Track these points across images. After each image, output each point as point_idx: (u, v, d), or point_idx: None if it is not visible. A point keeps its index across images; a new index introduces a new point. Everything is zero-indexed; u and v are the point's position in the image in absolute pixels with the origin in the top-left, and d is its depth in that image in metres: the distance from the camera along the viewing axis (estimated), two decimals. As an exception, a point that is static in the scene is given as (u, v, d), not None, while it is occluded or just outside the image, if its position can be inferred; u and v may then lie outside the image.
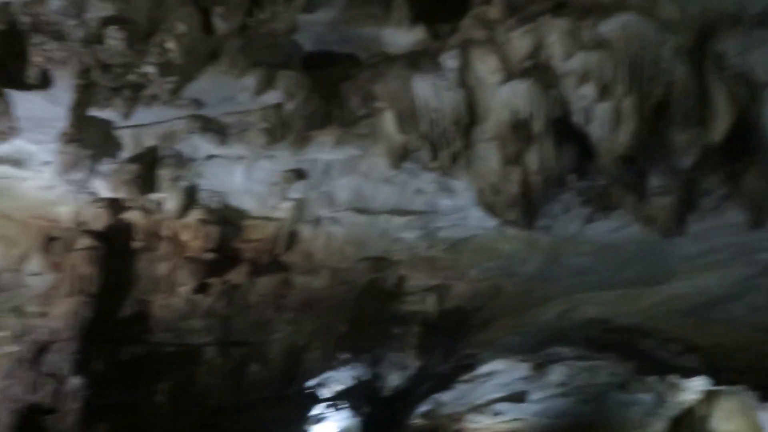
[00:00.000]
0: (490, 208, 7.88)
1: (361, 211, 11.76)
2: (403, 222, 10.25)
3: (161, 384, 10.31)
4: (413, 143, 7.46)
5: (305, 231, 12.15)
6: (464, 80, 6.52)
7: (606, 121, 6.10)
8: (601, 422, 19.43)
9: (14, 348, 9.94)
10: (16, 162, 10.09)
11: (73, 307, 9.93)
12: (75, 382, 9.43)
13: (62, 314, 9.98)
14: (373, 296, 12.34)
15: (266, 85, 7.40)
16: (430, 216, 9.88)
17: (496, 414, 17.28)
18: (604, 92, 5.92)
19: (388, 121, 7.53)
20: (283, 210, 11.85)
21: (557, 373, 16.86)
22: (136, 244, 11.03)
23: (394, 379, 13.54)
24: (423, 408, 15.22)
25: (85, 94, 8.09)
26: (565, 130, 6.48)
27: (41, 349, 9.76)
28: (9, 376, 9.59)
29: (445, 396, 15.57)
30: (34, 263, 10.60)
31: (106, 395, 9.63)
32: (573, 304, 12.74)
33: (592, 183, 7.87)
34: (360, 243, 12.08)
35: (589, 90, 5.97)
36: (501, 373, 15.75)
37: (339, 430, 12.56)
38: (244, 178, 11.33)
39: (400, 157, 7.88)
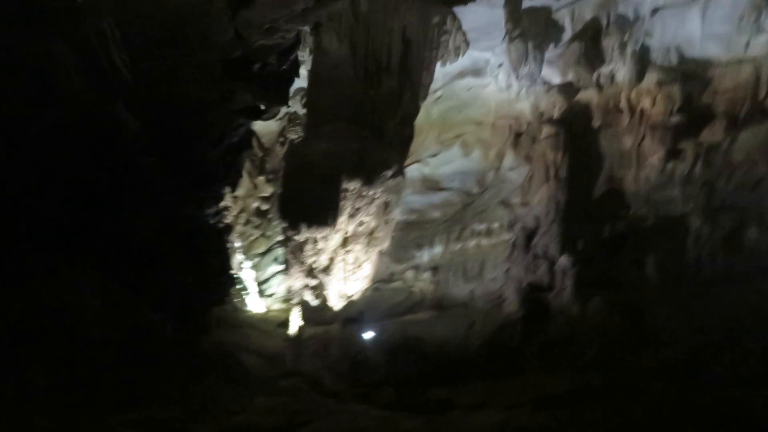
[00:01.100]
0: None
1: None
2: None
3: (647, 258, 10.14)
4: None
5: (797, 64, 10.01)
6: None
7: None
8: None
9: (509, 235, 11.29)
10: (476, 72, 11.07)
11: (549, 192, 10.56)
12: (563, 261, 10.11)
13: (541, 201, 10.76)
14: None
15: None
16: None
17: None
18: None
19: None
20: (759, 46, 9.94)
21: None
22: (596, 123, 10.96)
23: None
24: None
25: (516, -16, 8.22)
26: None
27: (530, 234, 10.79)
28: (509, 260, 10.98)
29: None
30: (509, 159, 11.67)
31: (594, 272, 10.02)
32: None
33: None
34: None
35: None
36: None
37: None
38: (701, 22, 9.87)
39: None
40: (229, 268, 9.09)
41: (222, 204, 8.27)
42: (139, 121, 5.82)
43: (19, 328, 5.12)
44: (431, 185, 12.22)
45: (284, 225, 9.23)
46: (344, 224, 9.29)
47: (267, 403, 6.43)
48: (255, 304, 10.92)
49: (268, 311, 10.96)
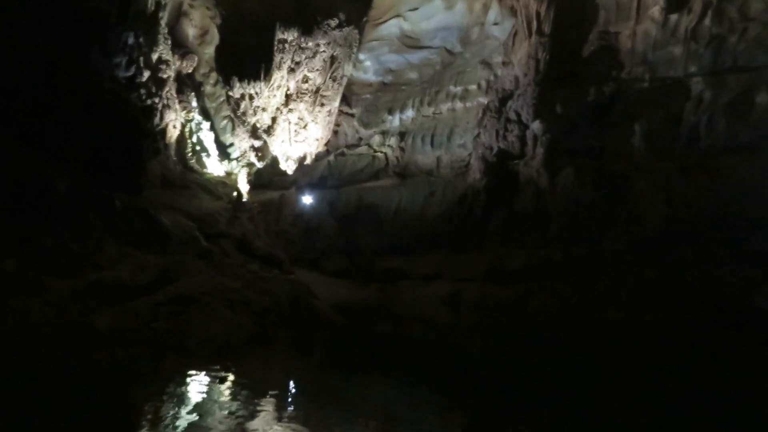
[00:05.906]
0: None
1: None
2: None
3: (635, 125, 8.96)
4: None
5: None
6: None
7: None
8: None
9: (484, 99, 10.22)
10: None
11: (530, 50, 9.35)
12: (536, 126, 9.04)
13: (521, 60, 9.57)
14: None
15: None
16: None
17: None
18: None
19: None
20: None
21: None
22: (591, -34, 9.42)
23: None
24: None
25: None
26: None
27: (506, 97, 9.68)
28: (480, 125, 9.98)
29: None
30: (494, 12, 10.31)
31: (571, 140, 8.98)
32: None
33: None
34: None
35: None
36: None
37: None
38: None
39: None
40: (150, 125, 8.52)
41: (139, 54, 7.64)
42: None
43: None
44: (411, 43, 10.98)
45: (220, 80, 8.61)
46: (284, 80, 8.50)
47: (142, 261, 6.14)
48: (215, 167, 10.55)
49: (230, 174, 10.60)
